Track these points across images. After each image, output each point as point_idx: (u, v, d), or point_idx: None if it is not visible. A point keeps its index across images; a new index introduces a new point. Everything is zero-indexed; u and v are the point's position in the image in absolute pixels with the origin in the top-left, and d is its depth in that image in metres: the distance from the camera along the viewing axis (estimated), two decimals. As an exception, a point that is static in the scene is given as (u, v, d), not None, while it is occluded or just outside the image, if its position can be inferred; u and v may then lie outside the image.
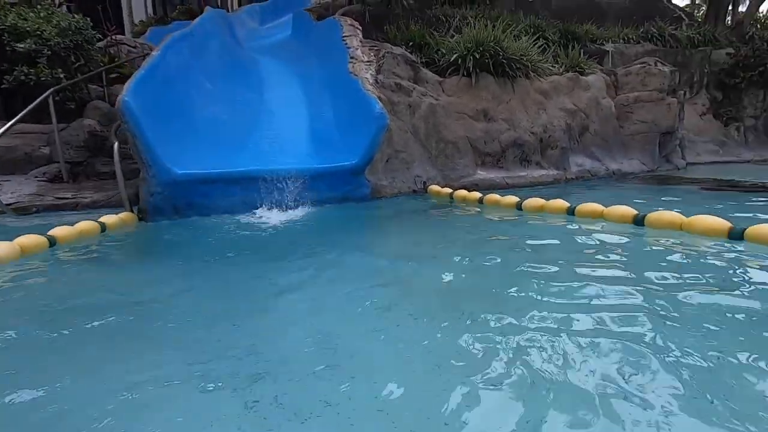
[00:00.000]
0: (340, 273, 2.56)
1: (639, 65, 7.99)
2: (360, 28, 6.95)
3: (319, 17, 9.74)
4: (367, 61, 5.63)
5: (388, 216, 4.41)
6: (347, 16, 8.65)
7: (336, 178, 4.62)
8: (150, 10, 18.56)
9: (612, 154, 7.47)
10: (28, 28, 5.61)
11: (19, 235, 2.74)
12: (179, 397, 1.30)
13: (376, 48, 6.04)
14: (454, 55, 6.28)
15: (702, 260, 2.38)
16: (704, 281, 2.04)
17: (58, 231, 2.96)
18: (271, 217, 4.11)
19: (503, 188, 5.73)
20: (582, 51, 8.89)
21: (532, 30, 9.42)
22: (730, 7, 16.14)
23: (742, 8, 16.56)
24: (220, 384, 1.36)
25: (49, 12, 6.12)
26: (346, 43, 6.19)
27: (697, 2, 21.59)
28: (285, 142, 5.36)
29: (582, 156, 7.05)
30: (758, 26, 13.25)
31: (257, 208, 4.25)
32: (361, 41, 6.22)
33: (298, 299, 2.15)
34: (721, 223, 2.63)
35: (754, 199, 4.83)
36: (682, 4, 14.98)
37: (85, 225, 3.16)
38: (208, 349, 1.61)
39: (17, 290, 2.20)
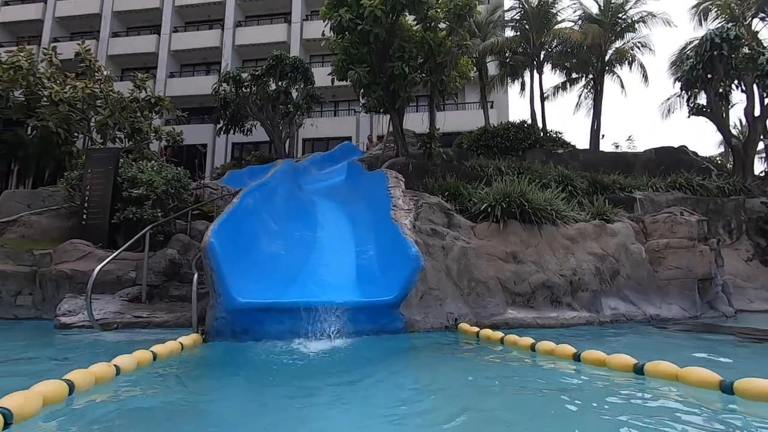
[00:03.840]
0: (366, 402, 2.91)
1: (665, 214, 8.47)
2: (403, 179, 8.15)
3: (370, 166, 11.42)
4: (407, 209, 6.57)
5: (417, 350, 4.72)
6: (393, 166, 10.15)
7: (373, 312, 5.11)
8: (229, 156, 22.19)
9: (649, 299, 7.51)
10: (144, 178, 7.20)
11: (135, 350, 3.53)
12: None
13: (415, 198, 7.04)
14: (484, 205, 7.14)
15: (691, 410, 2.57)
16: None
17: (157, 348, 3.64)
18: (312, 345, 4.55)
19: (534, 328, 5.90)
20: (609, 199, 9.59)
21: (560, 179, 10.43)
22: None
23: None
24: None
25: (160, 166, 7.84)
26: (390, 193, 7.28)
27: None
28: (332, 275, 6.08)
29: (615, 299, 7.16)
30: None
31: (301, 337, 4.72)
32: (403, 191, 7.30)
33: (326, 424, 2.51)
34: (711, 375, 2.81)
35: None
36: (706, 154, 15.85)
37: (172, 345, 3.86)
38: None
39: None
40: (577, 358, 3.67)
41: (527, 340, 4.29)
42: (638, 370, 3.25)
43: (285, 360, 4.08)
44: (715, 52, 11.44)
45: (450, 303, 5.93)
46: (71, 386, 2.63)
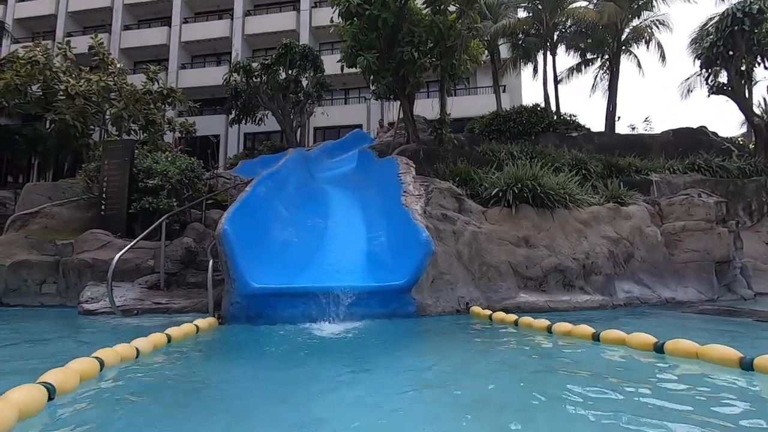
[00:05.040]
0: (377, 385, 2.94)
1: (682, 196, 8.30)
2: (413, 165, 8.14)
3: (380, 153, 11.39)
4: (418, 195, 6.57)
5: (429, 333, 4.77)
6: (404, 153, 10.11)
7: (385, 296, 5.17)
8: (242, 146, 22.37)
9: (664, 282, 7.42)
10: (158, 169, 7.33)
11: (151, 333, 3.66)
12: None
13: (425, 183, 7.04)
14: (495, 189, 7.10)
15: (709, 386, 2.57)
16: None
17: (172, 331, 3.77)
18: (324, 328, 4.64)
19: (546, 312, 5.90)
20: (624, 182, 9.43)
21: (574, 163, 10.27)
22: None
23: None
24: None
25: (174, 156, 7.97)
26: (401, 179, 7.29)
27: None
28: (344, 261, 6.15)
29: (630, 282, 7.10)
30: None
31: (314, 321, 4.82)
32: (413, 177, 7.29)
33: (338, 405, 2.57)
34: (732, 352, 2.79)
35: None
36: (727, 135, 15.37)
37: (188, 327, 3.99)
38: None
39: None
40: (596, 338, 3.66)
41: (543, 322, 4.29)
42: (658, 348, 3.24)
43: (297, 343, 4.17)
44: (737, 28, 11.01)
45: (461, 287, 5.96)
46: (101, 363, 2.77)
